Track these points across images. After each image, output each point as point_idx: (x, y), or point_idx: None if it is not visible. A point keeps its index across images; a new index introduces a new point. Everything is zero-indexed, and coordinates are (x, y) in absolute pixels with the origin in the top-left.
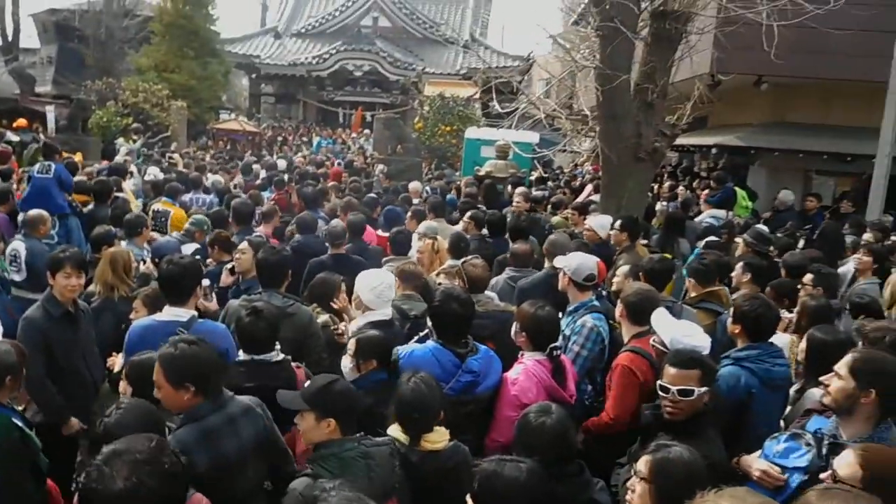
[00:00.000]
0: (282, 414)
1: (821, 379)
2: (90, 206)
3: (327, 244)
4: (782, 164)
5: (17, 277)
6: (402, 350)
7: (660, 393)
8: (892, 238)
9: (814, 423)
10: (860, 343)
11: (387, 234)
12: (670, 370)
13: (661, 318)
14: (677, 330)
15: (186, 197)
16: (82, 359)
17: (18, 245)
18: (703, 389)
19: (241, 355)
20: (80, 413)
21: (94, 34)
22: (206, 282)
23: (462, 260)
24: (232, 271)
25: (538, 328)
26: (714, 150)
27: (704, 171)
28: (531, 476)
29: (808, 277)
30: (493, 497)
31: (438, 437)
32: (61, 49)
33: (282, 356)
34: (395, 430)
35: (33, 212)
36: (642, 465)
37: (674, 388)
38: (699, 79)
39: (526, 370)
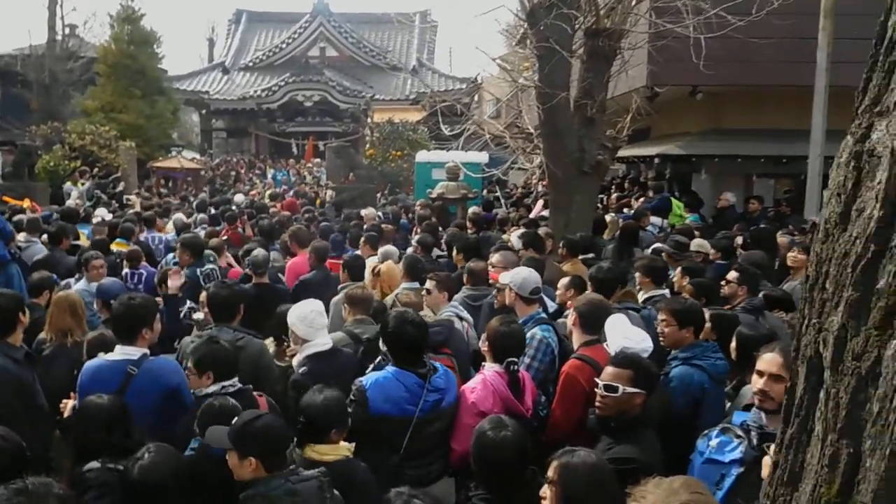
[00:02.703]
0: None
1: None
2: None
3: (250, 274)
4: (723, 169)
5: None
6: (364, 380)
7: (594, 390)
8: None
9: (737, 417)
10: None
11: (338, 261)
12: (607, 368)
13: (612, 325)
14: (623, 334)
15: (142, 237)
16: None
17: None
18: (633, 390)
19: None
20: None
21: (38, 78)
22: None
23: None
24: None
25: (499, 342)
26: (657, 160)
27: (651, 181)
28: None
29: (732, 275)
30: None
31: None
32: (4, 94)
33: (240, 385)
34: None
35: None
36: (550, 469)
37: (602, 384)
38: (636, 92)
39: (484, 380)
